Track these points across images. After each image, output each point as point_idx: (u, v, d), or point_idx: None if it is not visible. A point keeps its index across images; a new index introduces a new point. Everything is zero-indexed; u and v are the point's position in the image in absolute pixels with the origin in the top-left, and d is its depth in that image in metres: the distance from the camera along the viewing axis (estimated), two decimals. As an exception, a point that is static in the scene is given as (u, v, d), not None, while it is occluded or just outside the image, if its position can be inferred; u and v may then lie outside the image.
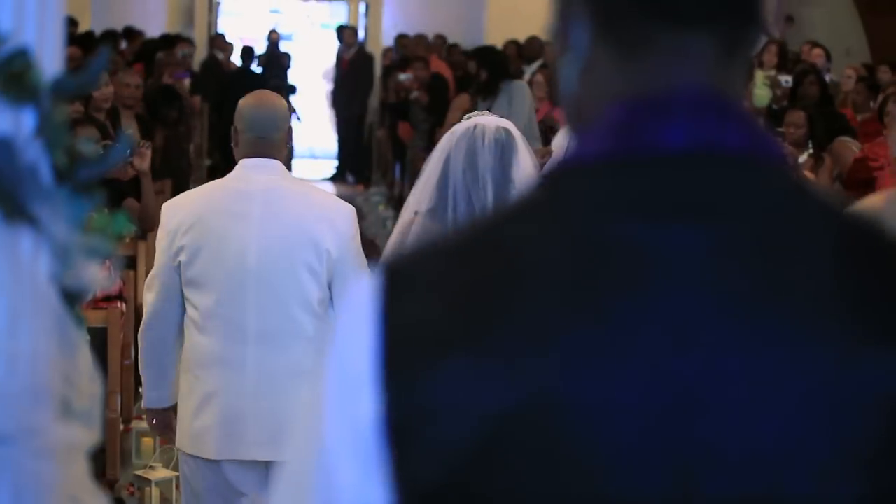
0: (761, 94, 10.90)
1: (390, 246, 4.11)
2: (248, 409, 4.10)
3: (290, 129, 4.37)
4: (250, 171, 4.21)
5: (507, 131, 4.07)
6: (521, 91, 9.74)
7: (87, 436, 1.42)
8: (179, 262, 4.14)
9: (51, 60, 1.35)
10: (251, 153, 4.22)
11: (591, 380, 1.08)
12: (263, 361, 4.09)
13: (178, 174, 9.19)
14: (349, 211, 4.27)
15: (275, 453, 4.06)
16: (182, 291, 4.18)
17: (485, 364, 1.09)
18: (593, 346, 1.09)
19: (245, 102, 4.31)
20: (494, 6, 17.46)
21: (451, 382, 1.09)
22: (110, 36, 13.80)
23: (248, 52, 16.55)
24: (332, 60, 17.67)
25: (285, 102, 4.47)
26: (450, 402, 1.09)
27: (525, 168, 4.05)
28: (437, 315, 1.12)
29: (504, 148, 4.03)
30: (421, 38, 16.46)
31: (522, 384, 1.08)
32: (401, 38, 16.90)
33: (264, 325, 4.10)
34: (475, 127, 4.06)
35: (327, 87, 17.82)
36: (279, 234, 4.13)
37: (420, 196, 4.06)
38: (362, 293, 1.16)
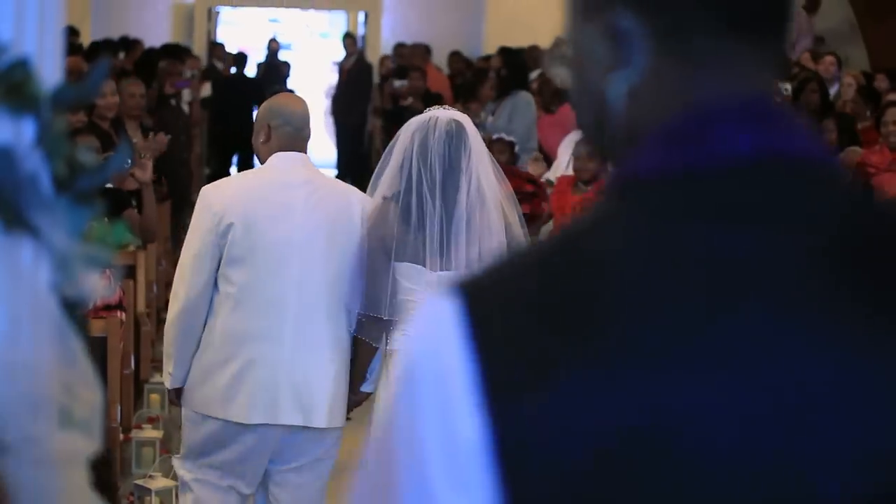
0: None
1: (359, 256, 4.55)
2: (283, 378, 4.45)
3: None
4: (288, 163, 4.57)
5: (459, 123, 4.53)
6: (526, 102, 9.76)
7: (87, 445, 1.42)
8: (227, 239, 4.45)
9: (50, 70, 1.36)
10: (286, 147, 4.59)
11: (697, 391, 1.08)
12: (299, 334, 4.47)
13: (179, 183, 9.19)
14: (368, 199, 4.66)
15: (305, 419, 4.48)
16: (217, 270, 4.49)
17: (593, 381, 1.09)
18: (694, 358, 1.09)
19: (279, 101, 4.71)
20: (493, 15, 17.48)
21: (560, 401, 1.09)
22: (110, 46, 13.80)
23: (241, 59, 16.65)
24: (333, 69, 17.70)
25: None
26: (559, 421, 1.08)
27: (478, 157, 4.53)
28: (533, 333, 1.11)
29: (453, 138, 4.49)
30: (417, 47, 16.47)
31: (631, 400, 1.08)
32: (399, 48, 16.91)
33: (303, 300, 4.48)
34: (429, 119, 4.55)
35: (326, 96, 17.83)
36: (321, 220, 4.52)
37: (385, 182, 4.56)
38: (441, 314, 1.14)
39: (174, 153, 7.72)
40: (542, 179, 8.10)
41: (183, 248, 4.60)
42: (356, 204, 4.60)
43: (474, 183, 4.52)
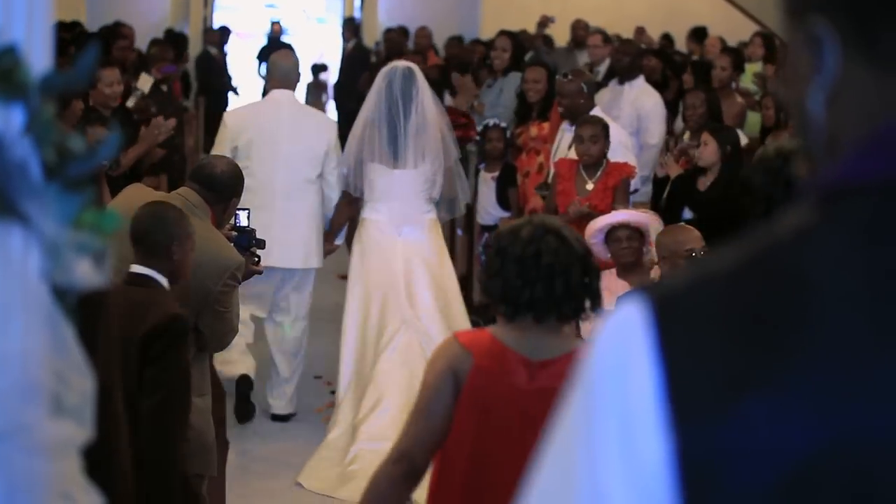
0: (751, 89, 10.81)
1: (346, 151, 6.96)
2: (276, 234, 6.38)
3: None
4: (279, 96, 7.14)
5: (411, 69, 6.98)
6: (516, 81, 9.80)
7: (79, 432, 1.42)
8: (236, 146, 6.96)
9: (39, 58, 1.35)
10: (278, 86, 7.14)
11: None
12: (284, 205, 6.96)
13: (173, 169, 9.18)
14: (334, 123, 7.58)
15: (289, 262, 7.03)
16: None
17: (789, 404, 1.05)
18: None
19: (274, 57, 7.45)
20: (489, -2, 17.45)
21: (753, 422, 1.05)
22: (101, 33, 13.73)
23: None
24: (338, 54, 17.70)
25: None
26: (752, 443, 1.05)
27: (424, 93, 6.89)
28: (727, 348, 1.07)
29: (407, 79, 6.87)
30: (404, 31, 16.41)
31: (832, 425, 1.04)
32: (387, 33, 16.83)
33: (287, 184, 6.99)
34: (392, 68, 7.00)
35: (325, 79, 17.82)
36: (299, 132, 7.04)
37: (363, 116, 6.91)
38: (628, 325, 1.11)
39: (167, 139, 7.71)
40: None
41: (211, 151, 7.33)
42: (324, 122, 7.43)
43: (421, 111, 6.84)
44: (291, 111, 7.14)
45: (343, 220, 7.33)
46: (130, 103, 8.94)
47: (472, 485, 3.15)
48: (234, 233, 5.02)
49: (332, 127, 7.33)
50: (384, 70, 7.02)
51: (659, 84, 10.46)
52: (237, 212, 5.17)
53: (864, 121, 1.13)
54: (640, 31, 14.91)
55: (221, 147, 7.05)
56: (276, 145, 7.01)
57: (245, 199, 5.97)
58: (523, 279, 3.11)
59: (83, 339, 1.40)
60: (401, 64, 7.10)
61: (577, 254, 3.12)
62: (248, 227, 5.13)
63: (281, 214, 6.95)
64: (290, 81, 7.20)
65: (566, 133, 7.90)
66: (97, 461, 1.87)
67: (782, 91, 1.23)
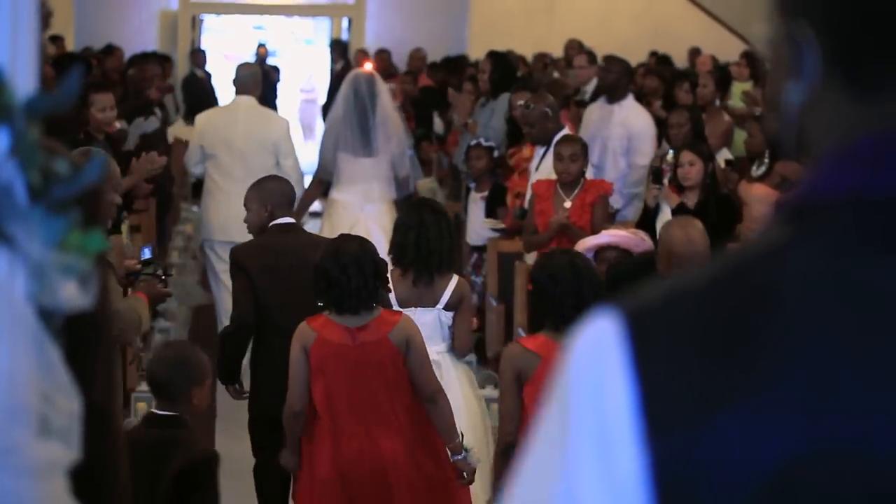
0: (738, 107, 10.82)
1: (322, 145, 8.93)
2: (232, 211, 7.85)
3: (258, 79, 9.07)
4: (239, 101, 8.74)
5: (372, 75, 8.88)
6: (506, 104, 9.81)
7: (65, 453, 1.42)
8: (202, 145, 8.66)
9: (24, 80, 1.36)
10: (239, 92, 8.72)
11: (882, 427, 1.04)
12: (242, 191, 7.70)
13: (161, 190, 9.19)
14: (286, 121, 9.11)
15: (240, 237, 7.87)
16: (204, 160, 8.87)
17: (763, 416, 1.05)
18: (880, 393, 1.05)
19: (240, 66, 9.07)
20: (476, 20, 17.49)
21: (730, 435, 1.06)
22: (85, 55, 13.70)
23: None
24: (326, 76, 17.73)
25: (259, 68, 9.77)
26: (729, 455, 1.05)
27: (385, 96, 8.77)
28: (700, 363, 1.08)
29: (370, 85, 8.68)
30: (385, 53, 16.40)
31: (808, 435, 1.05)
32: (359, 52, 16.78)
33: (242, 173, 8.20)
34: (354, 76, 8.83)
35: (312, 99, 17.82)
36: (252, 132, 8.57)
37: (333, 117, 8.73)
38: (603, 338, 1.11)
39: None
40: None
41: (188, 149, 9.05)
42: (273, 119, 8.95)
43: (383, 111, 8.61)
44: (247, 112, 8.68)
45: (312, 198, 9.20)
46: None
47: (327, 413, 4.81)
48: (140, 265, 5.64)
49: (282, 123, 8.92)
50: (349, 78, 8.91)
51: (661, 106, 10.52)
52: (142, 247, 6.02)
53: (837, 137, 1.14)
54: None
55: (193, 147, 8.78)
56: (233, 140, 8.58)
57: (211, 186, 8.67)
58: (341, 289, 4.74)
59: (82, 361, 1.41)
60: (362, 71, 9.00)
61: (371, 264, 4.79)
62: (152, 258, 5.87)
63: (238, 196, 8.15)
64: (247, 87, 8.75)
65: (537, 156, 7.98)
66: (98, 483, 1.87)
67: (768, 79, 1.23)
